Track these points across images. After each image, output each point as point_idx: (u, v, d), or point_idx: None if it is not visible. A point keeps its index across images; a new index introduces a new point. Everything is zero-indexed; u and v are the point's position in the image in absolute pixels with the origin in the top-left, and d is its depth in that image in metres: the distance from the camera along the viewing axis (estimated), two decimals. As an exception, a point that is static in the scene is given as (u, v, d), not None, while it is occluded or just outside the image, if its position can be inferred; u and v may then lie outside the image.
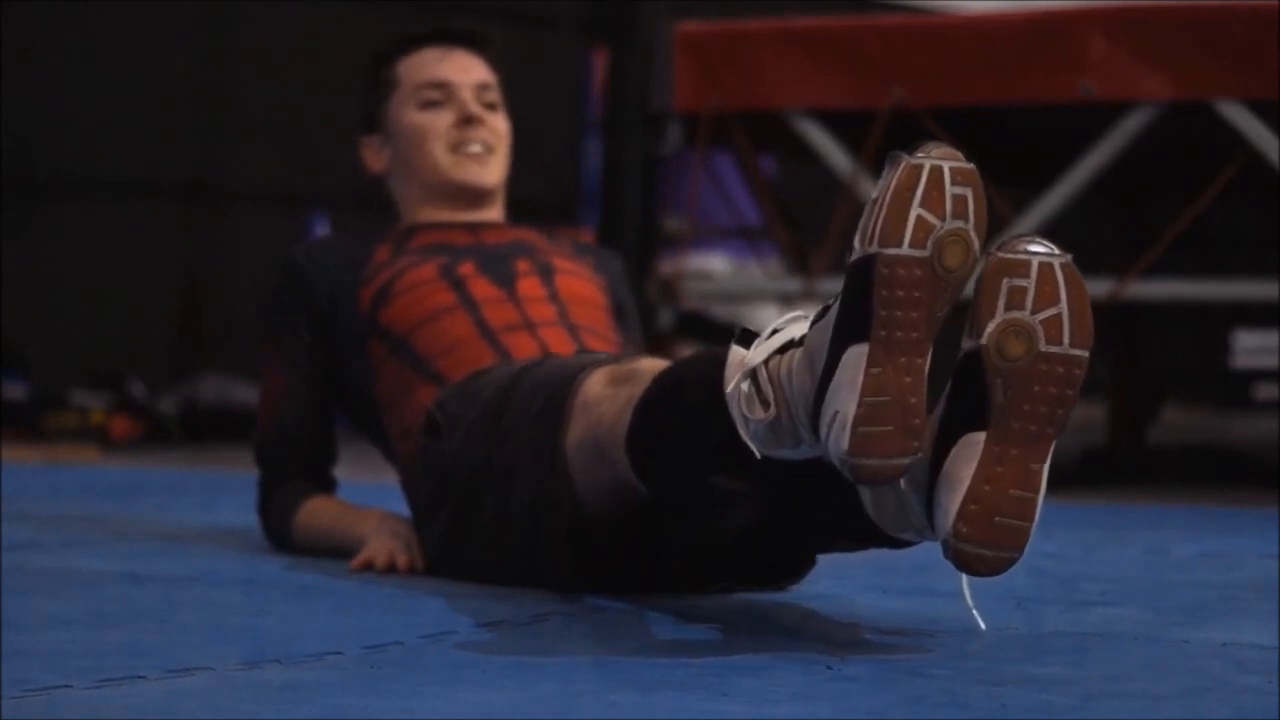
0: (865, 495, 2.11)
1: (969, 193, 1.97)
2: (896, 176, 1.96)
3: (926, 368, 1.97)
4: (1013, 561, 1.97)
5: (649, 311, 4.79)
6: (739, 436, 2.07)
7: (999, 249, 1.99)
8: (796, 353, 2.04)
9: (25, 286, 6.66)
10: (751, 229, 6.38)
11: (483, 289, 2.91)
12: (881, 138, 4.55)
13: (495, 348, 2.81)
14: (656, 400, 2.21)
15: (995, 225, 2.12)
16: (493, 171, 3.06)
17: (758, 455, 2.07)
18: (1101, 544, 3.36)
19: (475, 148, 3.04)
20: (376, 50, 3.14)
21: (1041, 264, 1.97)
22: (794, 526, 2.33)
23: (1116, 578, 2.85)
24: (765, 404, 2.05)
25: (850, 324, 1.97)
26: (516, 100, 3.13)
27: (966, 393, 1.98)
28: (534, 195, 4.94)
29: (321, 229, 6.80)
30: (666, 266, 5.07)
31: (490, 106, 3.08)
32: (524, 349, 2.80)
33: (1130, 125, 4.51)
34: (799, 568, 2.49)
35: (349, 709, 1.73)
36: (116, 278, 6.93)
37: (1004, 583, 2.02)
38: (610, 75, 5.16)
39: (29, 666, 1.88)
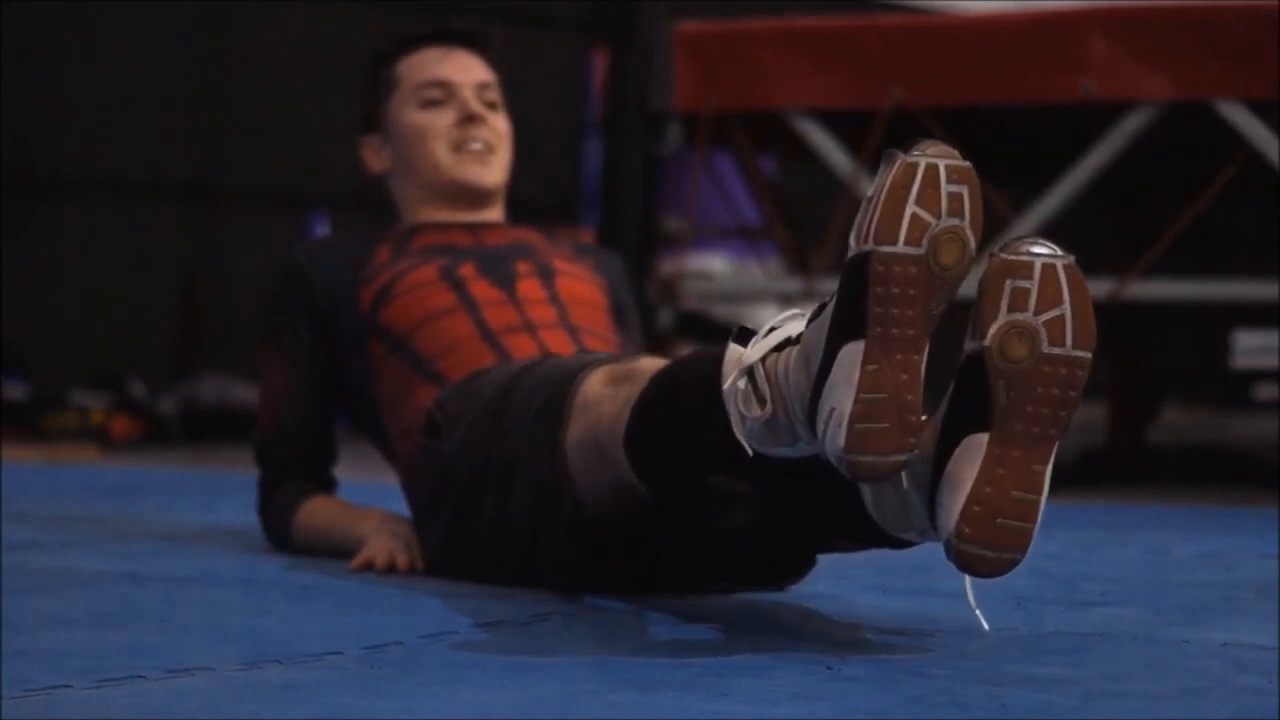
0: (867, 495, 2.11)
1: (964, 190, 1.97)
2: (892, 174, 1.96)
3: (923, 365, 1.97)
4: (1015, 563, 1.97)
5: (649, 311, 4.79)
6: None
7: (1002, 250, 1.99)
8: (793, 350, 2.04)
9: (25, 286, 6.66)
10: (751, 229, 6.38)
11: (483, 290, 2.91)
12: (881, 138, 4.55)
13: (495, 349, 2.81)
14: (655, 399, 2.21)
15: (991, 223, 2.12)
16: (494, 172, 3.06)
17: (750, 453, 2.07)
18: (1101, 544, 3.36)
19: (476, 146, 3.04)
20: (376, 50, 3.14)
21: (1044, 265, 1.97)
22: (794, 526, 2.33)
23: (1116, 578, 2.85)
24: (762, 402, 2.05)
25: (846, 321, 1.97)
26: (516, 100, 3.13)
27: (969, 394, 1.98)
28: (534, 195, 4.94)
29: (321, 229, 6.80)
30: (666, 266, 5.07)
31: (491, 106, 3.08)
32: (524, 350, 2.80)
33: (1130, 125, 4.51)
34: (799, 568, 2.49)
35: (349, 709, 1.73)
36: (116, 278, 6.93)
37: (1004, 583, 2.02)
38: (610, 75, 5.16)
39: (29, 666, 1.88)
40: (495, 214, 3.10)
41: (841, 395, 1.95)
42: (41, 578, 2.68)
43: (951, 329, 2.03)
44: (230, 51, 7.29)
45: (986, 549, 1.95)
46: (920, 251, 1.96)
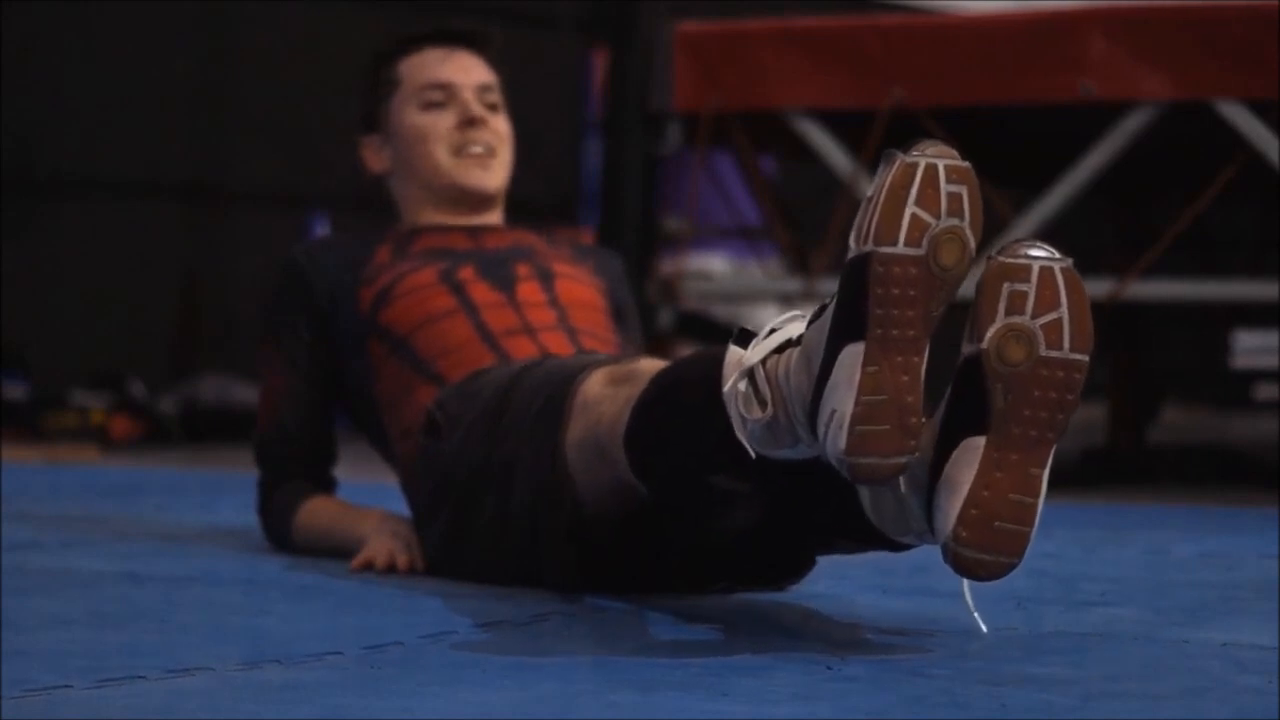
0: (865, 498, 2.11)
1: (964, 190, 1.97)
2: (891, 174, 1.96)
3: (923, 366, 1.97)
4: (1012, 567, 1.97)
5: (649, 312, 4.79)
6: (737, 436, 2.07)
7: (999, 253, 1.99)
8: (794, 352, 2.04)
9: (25, 286, 6.66)
10: (751, 229, 6.38)
11: (483, 293, 2.91)
12: (881, 138, 4.55)
13: (495, 351, 2.81)
14: (655, 400, 2.21)
15: (991, 223, 2.12)
16: (495, 175, 3.06)
17: (752, 455, 2.07)
18: (1101, 544, 3.36)
19: (477, 149, 3.04)
20: (377, 50, 3.14)
21: (1042, 268, 1.97)
22: (794, 527, 2.33)
23: (1116, 578, 2.85)
24: (763, 403, 2.05)
25: (846, 323, 1.97)
26: (516, 100, 3.13)
27: (967, 397, 1.98)
28: (534, 195, 4.94)
29: (321, 229, 6.80)
30: (666, 266, 5.07)
31: (492, 108, 3.08)
32: (524, 353, 2.80)
33: (1130, 125, 4.51)
34: (799, 568, 2.49)
35: (349, 709, 1.73)
36: (116, 278, 6.93)
37: (1004, 583, 2.02)
38: (610, 75, 5.16)
39: (29, 666, 1.88)
40: (495, 217, 3.10)
41: (842, 397, 1.95)
42: (41, 578, 2.68)
43: (952, 330, 2.03)
44: (230, 51, 7.29)
45: (984, 552, 1.95)
46: (920, 252, 1.95)
